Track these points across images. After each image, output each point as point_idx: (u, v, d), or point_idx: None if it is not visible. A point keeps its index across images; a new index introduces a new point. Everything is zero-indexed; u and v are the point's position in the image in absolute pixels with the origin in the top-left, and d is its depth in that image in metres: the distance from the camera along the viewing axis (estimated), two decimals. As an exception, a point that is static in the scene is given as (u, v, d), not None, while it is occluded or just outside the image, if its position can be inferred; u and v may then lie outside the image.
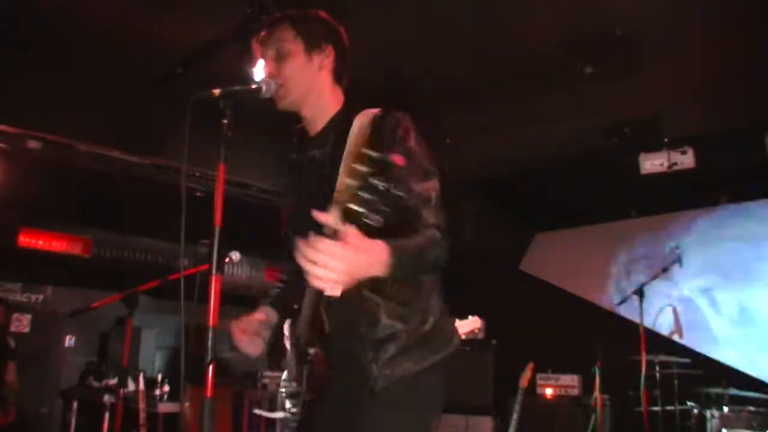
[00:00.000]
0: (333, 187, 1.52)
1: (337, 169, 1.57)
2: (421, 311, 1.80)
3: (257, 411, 1.95)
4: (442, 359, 1.80)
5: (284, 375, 1.83)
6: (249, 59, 3.88)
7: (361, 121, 1.70)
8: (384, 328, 1.74)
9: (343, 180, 1.39)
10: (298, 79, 1.89)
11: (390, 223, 1.44)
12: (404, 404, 1.75)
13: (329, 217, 1.41)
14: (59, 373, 6.52)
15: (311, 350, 1.70)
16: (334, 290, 1.43)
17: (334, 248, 1.38)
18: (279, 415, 1.78)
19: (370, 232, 1.44)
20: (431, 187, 1.73)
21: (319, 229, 1.46)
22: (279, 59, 1.89)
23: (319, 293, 1.63)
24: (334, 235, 1.40)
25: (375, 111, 1.75)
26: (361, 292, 1.73)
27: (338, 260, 1.39)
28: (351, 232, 1.39)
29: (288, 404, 1.79)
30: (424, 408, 1.80)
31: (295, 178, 2.02)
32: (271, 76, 1.87)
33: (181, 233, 1.78)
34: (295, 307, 1.77)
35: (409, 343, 1.74)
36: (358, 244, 1.41)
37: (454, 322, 1.89)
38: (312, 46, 1.89)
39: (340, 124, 1.80)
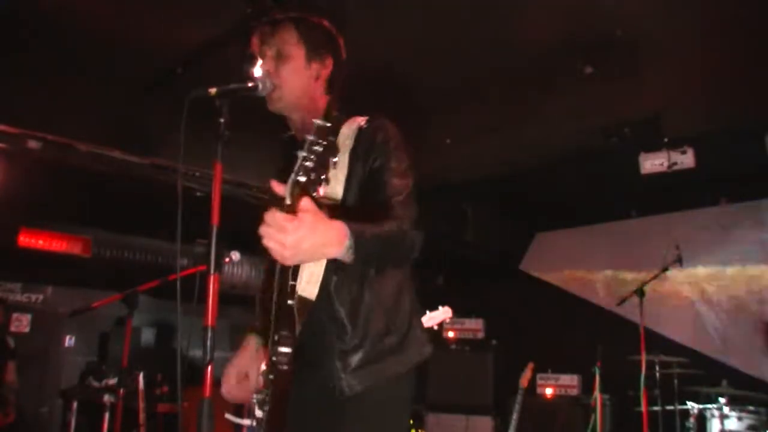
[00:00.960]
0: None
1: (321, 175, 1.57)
2: (389, 321, 1.79)
3: (228, 416, 1.93)
4: (410, 369, 1.80)
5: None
6: (249, 59, 3.89)
7: (349, 128, 1.78)
8: (351, 337, 1.74)
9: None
10: (295, 83, 1.88)
11: (358, 212, 1.51)
12: (370, 415, 1.75)
13: (281, 187, 1.42)
14: (59, 373, 6.53)
15: (280, 351, 1.66)
16: (286, 262, 1.43)
17: (285, 222, 1.36)
18: (246, 422, 1.79)
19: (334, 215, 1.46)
20: (405, 184, 1.76)
21: None
22: (279, 60, 1.88)
23: (291, 297, 1.62)
24: (291, 210, 1.39)
25: (361, 119, 1.82)
26: (331, 300, 1.74)
27: (289, 234, 1.36)
28: (307, 208, 1.38)
29: (258, 412, 1.81)
30: (390, 419, 1.80)
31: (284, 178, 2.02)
32: (268, 74, 1.86)
33: (178, 233, 1.78)
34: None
35: (376, 352, 1.75)
36: (312, 221, 1.38)
37: (422, 316, 1.88)
38: (313, 53, 1.89)
39: (329, 131, 1.82)
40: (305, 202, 1.38)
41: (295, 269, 1.64)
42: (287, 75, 1.87)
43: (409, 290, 1.88)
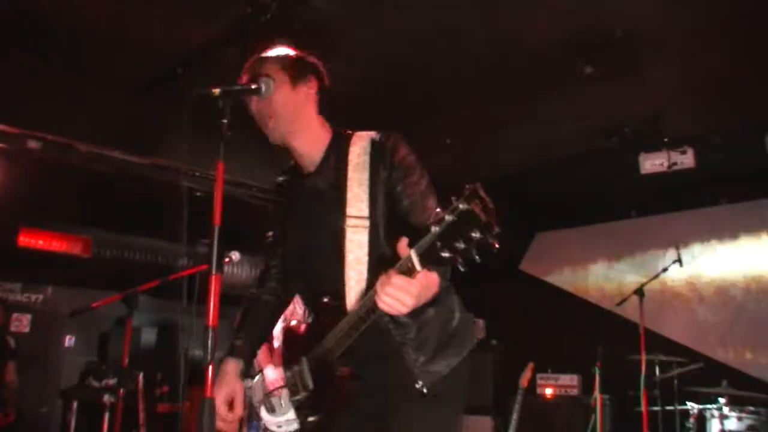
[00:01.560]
0: (344, 210, 1.76)
1: (345, 193, 1.79)
2: (447, 309, 1.86)
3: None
4: (468, 353, 1.87)
5: (255, 383, 1.93)
6: (249, 59, 3.89)
7: (359, 145, 1.83)
8: (417, 333, 1.79)
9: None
10: (287, 107, 1.91)
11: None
12: (441, 400, 1.80)
13: (410, 252, 1.49)
14: (59, 373, 6.52)
15: (340, 368, 1.78)
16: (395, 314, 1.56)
17: (408, 285, 1.48)
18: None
19: None
20: (434, 200, 1.81)
21: (332, 255, 1.74)
22: (264, 94, 1.90)
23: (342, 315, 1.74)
24: (409, 270, 1.48)
25: (371, 134, 1.87)
26: None
27: (413, 297, 1.50)
28: (422, 273, 1.48)
29: (264, 414, 1.88)
30: (456, 401, 1.89)
31: (294, 205, 2.05)
32: (256, 108, 1.92)
33: (183, 233, 1.78)
34: (299, 324, 1.80)
35: (441, 341, 1.81)
36: (425, 283, 1.54)
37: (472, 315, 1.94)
38: (297, 76, 1.93)
39: (339, 150, 1.90)
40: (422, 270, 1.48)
41: (338, 274, 1.77)
42: (277, 105, 1.90)
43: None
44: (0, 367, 5.30)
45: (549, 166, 6.14)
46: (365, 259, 1.80)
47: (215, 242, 1.69)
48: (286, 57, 1.95)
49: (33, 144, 4.68)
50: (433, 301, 1.74)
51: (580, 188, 6.62)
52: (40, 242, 5.94)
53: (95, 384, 6.00)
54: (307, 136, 1.96)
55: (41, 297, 6.64)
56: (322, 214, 1.91)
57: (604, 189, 6.54)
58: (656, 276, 5.34)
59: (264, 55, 1.96)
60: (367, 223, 1.82)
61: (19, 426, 5.27)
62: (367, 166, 1.84)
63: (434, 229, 1.43)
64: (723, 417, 4.73)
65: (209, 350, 1.65)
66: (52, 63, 4.45)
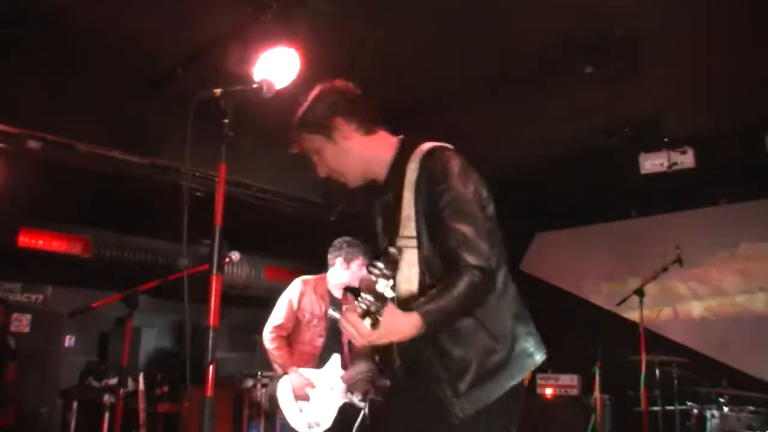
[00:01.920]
0: (398, 230, 1.86)
1: (399, 212, 1.86)
2: (493, 337, 1.81)
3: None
4: (516, 385, 1.81)
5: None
6: (249, 59, 3.89)
7: (414, 161, 1.87)
8: (457, 362, 1.79)
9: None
10: (341, 162, 2.01)
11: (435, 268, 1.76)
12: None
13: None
14: (59, 373, 6.52)
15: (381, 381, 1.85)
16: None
17: (365, 333, 1.57)
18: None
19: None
20: (470, 221, 1.78)
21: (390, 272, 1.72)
22: (319, 158, 2.03)
23: None
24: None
25: (423, 151, 1.88)
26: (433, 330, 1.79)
27: (357, 333, 1.57)
28: (386, 316, 1.56)
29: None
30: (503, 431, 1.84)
31: (381, 218, 2.11)
32: (323, 173, 2.05)
33: (184, 233, 1.78)
34: None
35: (484, 372, 1.77)
36: (388, 329, 1.59)
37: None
38: (327, 132, 1.98)
39: (398, 169, 1.93)
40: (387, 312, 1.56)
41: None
42: (331, 163, 2.01)
43: (511, 298, 1.89)
44: (0, 367, 5.30)
45: (549, 166, 6.14)
46: (415, 279, 1.84)
47: (216, 242, 1.69)
48: (308, 122, 1.99)
49: (33, 144, 4.68)
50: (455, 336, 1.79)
51: (580, 188, 6.62)
52: (40, 242, 5.94)
53: (95, 384, 6.01)
54: (373, 166, 2.01)
55: (41, 297, 6.63)
56: (386, 231, 2.01)
57: (604, 189, 6.54)
58: (656, 276, 5.34)
59: (292, 131, 2.03)
60: (415, 243, 1.85)
61: (19, 426, 5.27)
62: (413, 185, 1.86)
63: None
64: (723, 417, 4.73)
65: (209, 350, 1.65)
66: (52, 63, 4.45)
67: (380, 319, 1.54)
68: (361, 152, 2.00)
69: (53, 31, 4.11)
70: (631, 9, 3.87)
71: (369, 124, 2.01)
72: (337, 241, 4.19)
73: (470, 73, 4.66)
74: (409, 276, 1.85)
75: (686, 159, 5.35)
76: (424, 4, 3.89)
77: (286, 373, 3.96)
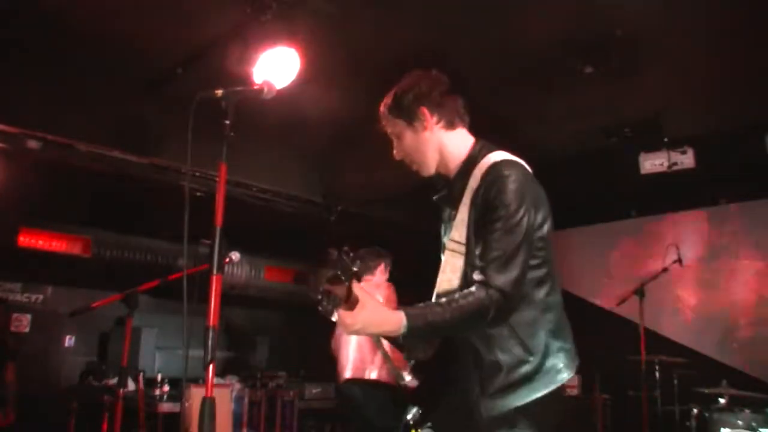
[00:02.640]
0: (451, 233, 1.94)
1: (455, 216, 1.94)
2: (524, 349, 1.86)
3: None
4: (544, 396, 1.84)
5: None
6: (249, 59, 3.89)
7: (480, 170, 1.93)
8: (488, 367, 1.85)
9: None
10: (417, 150, 2.06)
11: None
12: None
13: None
14: (59, 373, 6.52)
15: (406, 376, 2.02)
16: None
17: (345, 318, 1.66)
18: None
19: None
20: (506, 244, 1.81)
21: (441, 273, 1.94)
22: (397, 141, 2.09)
23: None
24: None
25: (489, 162, 1.92)
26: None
27: (346, 324, 1.66)
28: (369, 302, 1.66)
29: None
30: None
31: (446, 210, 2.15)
32: (399, 156, 2.11)
33: (184, 234, 1.79)
34: None
35: (510, 382, 1.83)
36: (367, 320, 1.66)
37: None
38: (409, 118, 2.04)
39: (466, 172, 1.99)
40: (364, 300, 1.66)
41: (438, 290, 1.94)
42: (407, 148, 2.07)
43: (551, 314, 1.93)
44: (0, 367, 5.29)
45: (549, 166, 6.12)
46: (456, 282, 1.91)
47: (216, 242, 1.69)
48: (394, 105, 2.06)
49: (33, 144, 4.68)
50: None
51: (580, 188, 6.62)
52: (40, 242, 5.93)
53: (95, 384, 6.00)
54: (446, 160, 2.06)
55: (41, 297, 6.63)
56: (446, 232, 2.06)
57: (604, 189, 6.54)
58: (656, 276, 5.34)
59: (381, 109, 2.10)
60: (463, 249, 1.91)
61: (19, 426, 5.26)
62: (473, 192, 1.91)
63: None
64: (723, 417, 4.73)
65: (209, 350, 1.65)
66: (52, 63, 4.45)
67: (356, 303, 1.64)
68: (438, 145, 2.05)
69: (53, 31, 4.11)
70: (631, 9, 3.86)
71: (452, 119, 2.07)
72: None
73: (470, 73, 4.66)
74: (450, 278, 1.93)
75: (686, 159, 5.35)
76: (424, 5, 3.89)
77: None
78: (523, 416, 1.82)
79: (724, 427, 4.69)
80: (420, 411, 1.95)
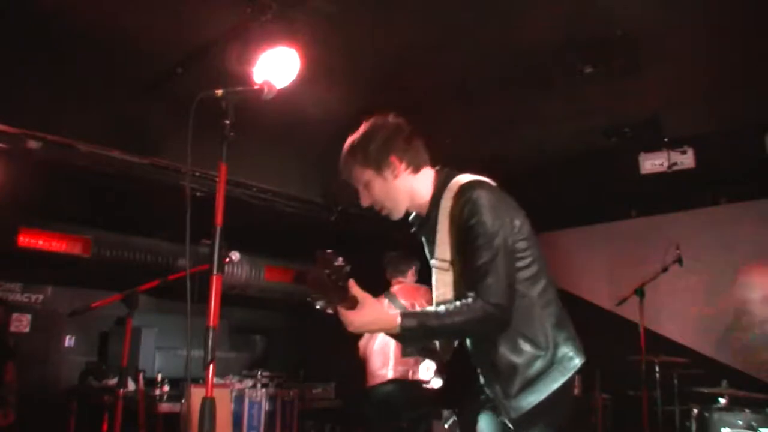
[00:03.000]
0: (434, 253, 2.05)
1: (436, 237, 2.03)
2: (534, 345, 1.95)
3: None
4: (562, 385, 1.94)
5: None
6: (249, 59, 3.89)
7: (450, 194, 2.02)
8: (506, 367, 1.94)
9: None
10: (388, 197, 2.12)
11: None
12: (535, 428, 1.94)
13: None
14: (59, 373, 6.52)
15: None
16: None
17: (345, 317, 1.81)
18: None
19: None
20: (486, 260, 1.90)
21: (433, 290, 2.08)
22: (365, 189, 2.14)
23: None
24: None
25: (458, 185, 2.00)
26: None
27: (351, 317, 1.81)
28: (368, 302, 1.82)
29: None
30: (552, 426, 1.98)
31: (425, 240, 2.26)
32: (367, 204, 2.16)
33: (187, 233, 1.79)
34: None
35: (527, 379, 1.92)
36: (363, 319, 1.81)
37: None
38: (379, 166, 2.09)
39: (437, 200, 2.08)
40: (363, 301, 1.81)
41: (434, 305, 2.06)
42: (377, 196, 2.13)
43: (551, 307, 2.04)
44: (0, 367, 5.29)
45: (549, 166, 6.14)
46: (450, 295, 2.03)
47: (217, 242, 1.70)
48: (361, 152, 2.10)
49: (33, 144, 4.67)
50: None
51: (580, 188, 6.62)
52: (40, 242, 5.93)
53: (95, 384, 6.00)
54: (416, 201, 2.15)
55: (41, 297, 6.63)
56: (430, 256, 2.17)
57: (604, 189, 6.54)
58: (656, 276, 5.34)
59: (343, 158, 2.14)
60: (449, 266, 2.03)
61: (19, 426, 5.26)
62: (448, 213, 2.02)
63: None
64: (723, 417, 4.73)
65: (209, 350, 1.65)
66: (52, 63, 4.44)
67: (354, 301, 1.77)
68: (409, 190, 2.12)
69: (53, 31, 4.11)
70: (631, 9, 3.87)
71: (418, 162, 2.14)
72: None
73: (470, 73, 4.66)
74: (444, 293, 2.04)
75: (686, 159, 5.35)
76: (424, 5, 3.89)
77: None
78: (546, 409, 1.91)
79: (724, 427, 4.69)
80: (454, 416, 2.09)
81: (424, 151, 2.17)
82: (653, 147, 5.47)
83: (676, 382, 5.20)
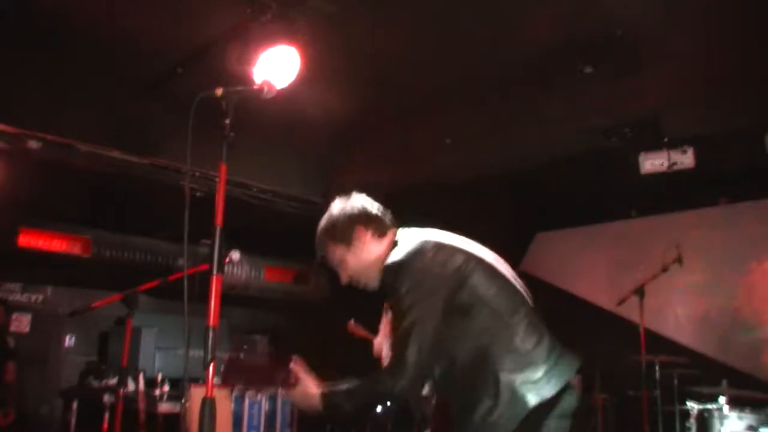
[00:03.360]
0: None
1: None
2: (474, 391, 1.96)
3: None
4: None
5: None
6: (249, 59, 3.89)
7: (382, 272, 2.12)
8: (457, 415, 2.01)
9: None
10: (359, 269, 2.22)
11: None
12: None
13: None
14: (59, 373, 6.52)
15: None
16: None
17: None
18: None
19: None
20: (403, 331, 1.97)
21: None
22: (339, 266, 2.25)
23: None
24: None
25: (385, 265, 2.10)
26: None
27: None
28: (299, 390, 2.12)
29: None
30: None
31: None
32: (346, 281, 2.26)
33: (185, 234, 1.79)
34: None
35: (479, 426, 1.92)
36: (299, 394, 2.11)
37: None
38: (349, 242, 2.21)
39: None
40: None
41: None
42: (351, 270, 2.23)
43: (498, 346, 1.99)
44: (0, 367, 5.29)
45: (549, 166, 6.14)
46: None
47: (217, 242, 1.69)
48: (331, 233, 2.24)
49: (33, 144, 4.68)
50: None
51: (580, 188, 6.62)
52: (40, 242, 5.94)
53: (95, 384, 6.00)
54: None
55: (41, 297, 6.64)
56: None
57: (604, 189, 6.53)
58: (656, 276, 5.34)
59: (317, 241, 2.29)
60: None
61: (19, 426, 5.27)
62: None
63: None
64: (723, 417, 4.73)
65: (209, 350, 1.65)
66: (52, 63, 4.45)
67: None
68: (377, 256, 2.18)
69: (53, 30, 4.11)
70: (631, 9, 3.87)
71: (382, 229, 2.23)
72: None
73: (470, 73, 4.66)
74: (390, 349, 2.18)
75: (686, 159, 5.35)
76: (424, 5, 3.89)
77: None
78: None
79: (724, 427, 4.69)
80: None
81: (389, 216, 2.27)
82: (653, 147, 5.47)
83: (676, 382, 5.20)
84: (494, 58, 4.44)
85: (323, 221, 2.28)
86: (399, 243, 2.14)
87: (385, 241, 2.21)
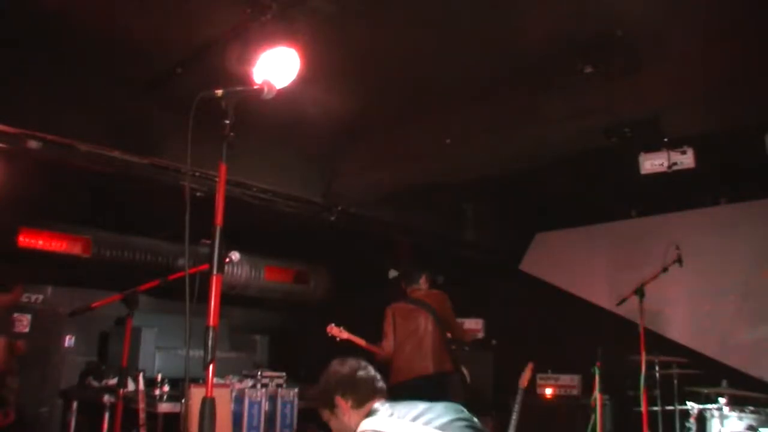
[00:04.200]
0: None
1: None
2: None
3: None
4: None
5: None
6: (249, 59, 3.89)
7: None
8: None
9: None
10: (340, 428, 2.43)
11: None
12: None
13: None
14: (59, 373, 6.53)
15: None
16: None
17: None
18: None
19: None
20: None
21: None
22: (329, 426, 2.49)
23: None
24: None
25: None
26: None
27: None
28: None
29: None
30: None
31: None
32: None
33: (186, 234, 1.79)
34: None
35: None
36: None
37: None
38: (331, 407, 2.45)
39: None
40: None
41: None
42: (335, 428, 2.47)
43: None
44: None
45: (549, 166, 6.14)
46: None
47: (217, 242, 1.69)
48: (318, 398, 2.50)
49: (33, 144, 4.67)
50: None
51: (580, 188, 6.62)
52: (40, 242, 5.94)
53: (95, 384, 6.01)
54: None
55: (41, 297, 6.64)
56: None
57: (604, 189, 6.54)
58: (656, 276, 5.34)
59: (313, 401, 2.58)
60: None
61: (19, 426, 5.27)
62: None
63: None
64: (723, 417, 4.73)
65: (209, 350, 1.65)
66: (52, 63, 4.44)
67: None
68: (356, 424, 2.36)
69: (53, 31, 4.11)
70: (632, 8, 3.86)
71: (363, 398, 2.40)
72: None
73: (470, 73, 4.66)
74: None
75: (686, 159, 5.34)
76: (424, 4, 3.88)
77: None
78: None
79: (724, 427, 4.69)
80: None
81: (371, 387, 2.44)
82: (653, 147, 5.47)
83: (676, 382, 5.20)
84: (494, 58, 4.43)
85: (317, 385, 2.53)
86: (372, 413, 2.34)
87: (362, 412, 2.38)
